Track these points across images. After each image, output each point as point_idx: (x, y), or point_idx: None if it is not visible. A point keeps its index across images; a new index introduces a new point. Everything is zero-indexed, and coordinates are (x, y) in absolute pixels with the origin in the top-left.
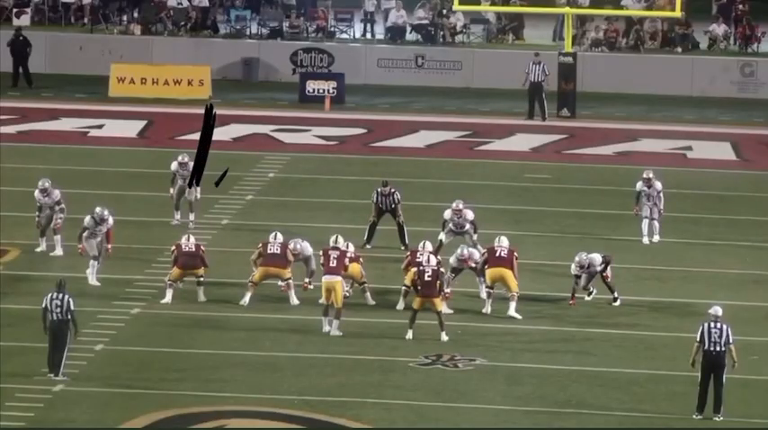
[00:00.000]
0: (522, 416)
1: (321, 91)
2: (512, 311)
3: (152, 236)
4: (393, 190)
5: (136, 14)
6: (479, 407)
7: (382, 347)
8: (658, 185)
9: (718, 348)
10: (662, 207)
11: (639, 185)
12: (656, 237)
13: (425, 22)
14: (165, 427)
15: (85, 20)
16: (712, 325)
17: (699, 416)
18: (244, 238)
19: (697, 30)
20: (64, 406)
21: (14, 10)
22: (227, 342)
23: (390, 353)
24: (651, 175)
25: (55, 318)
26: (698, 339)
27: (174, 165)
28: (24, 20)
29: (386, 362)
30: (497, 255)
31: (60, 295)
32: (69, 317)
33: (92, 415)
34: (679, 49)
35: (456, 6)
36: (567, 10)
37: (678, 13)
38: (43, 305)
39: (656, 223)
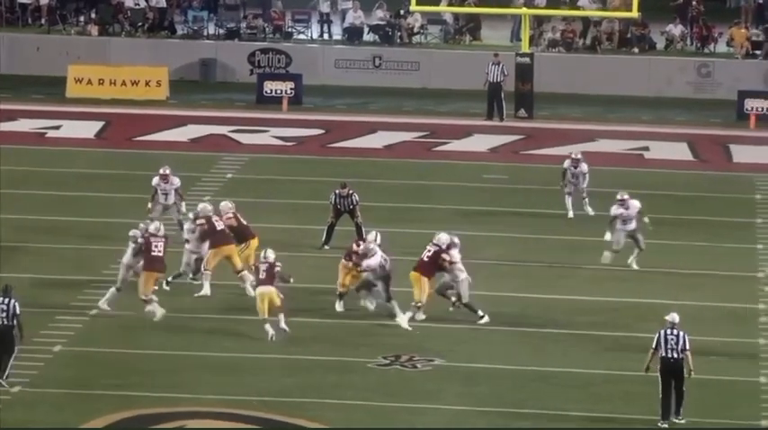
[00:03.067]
0: (479, 417)
1: (279, 92)
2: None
3: (110, 236)
4: (351, 191)
5: (93, 15)
6: (437, 407)
7: (341, 348)
8: (584, 167)
9: (675, 355)
10: (584, 186)
11: (567, 164)
12: (589, 209)
13: (383, 22)
14: (124, 428)
15: (43, 20)
16: (669, 331)
17: (664, 424)
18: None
19: (654, 30)
20: (22, 407)
21: None
22: (187, 343)
23: (349, 353)
24: (580, 156)
25: (0, 322)
26: (653, 346)
27: (154, 180)
28: None
29: (344, 363)
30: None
31: (6, 300)
32: (15, 322)
33: (51, 416)
34: (636, 50)
35: (413, 7)
36: (523, 11)
37: (635, 14)
38: None
39: (584, 200)
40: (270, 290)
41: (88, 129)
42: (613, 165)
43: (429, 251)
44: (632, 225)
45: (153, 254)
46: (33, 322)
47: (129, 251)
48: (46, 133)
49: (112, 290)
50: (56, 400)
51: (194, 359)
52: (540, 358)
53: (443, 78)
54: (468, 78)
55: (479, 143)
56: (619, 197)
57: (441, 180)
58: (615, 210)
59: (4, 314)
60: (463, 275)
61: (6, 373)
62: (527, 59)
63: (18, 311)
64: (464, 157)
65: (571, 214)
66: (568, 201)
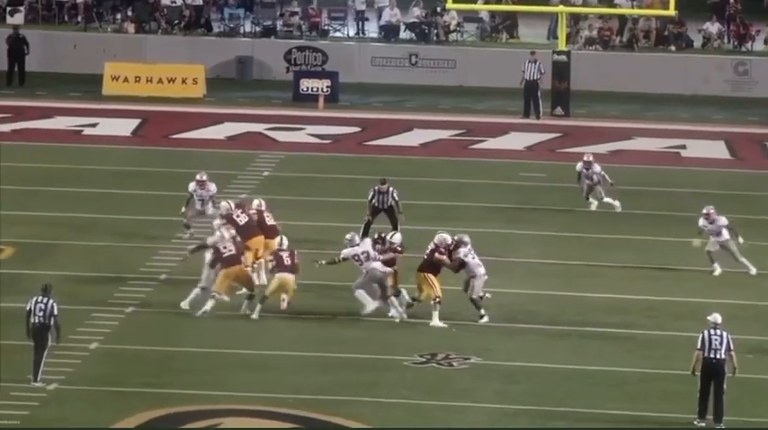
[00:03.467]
0: (516, 416)
1: (315, 89)
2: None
3: (146, 234)
4: (391, 188)
5: (130, 13)
6: (473, 405)
7: (377, 346)
8: (596, 168)
9: (718, 355)
10: (600, 186)
11: (579, 166)
12: (616, 203)
13: (420, 20)
14: (159, 426)
15: (79, 18)
16: (712, 331)
17: (701, 423)
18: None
19: (691, 28)
20: (58, 404)
21: (8, 8)
22: (222, 340)
23: (386, 351)
24: (591, 158)
25: (37, 321)
26: (698, 346)
27: (191, 186)
28: (18, 18)
29: (381, 361)
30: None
31: (45, 299)
32: (52, 322)
33: (86, 414)
34: (673, 48)
35: (450, 5)
36: (561, 9)
37: (672, 12)
38: (27, 308)
39: (606, 199)
40: (292, 278)
41: (125, 127)
42: (650, 163)
43: (427, 250)
44: (723, 237)
45: (230, 253)
46: (70, 319)
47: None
48: (82, 131)
49: (196, 290)
50: (91, 398)
51: (229, 357)
52: (576, 357)
53: (480, 76)
54: (504, 76)
55: (516, 141)
56: (704, 211)
57: (477, 178)
58: (701, 222)
59: (42, 313)
60: (482, 270)
61: (39, 374)
62: (564, 57)
63: (56, 312)
64: (500, 155)
65: (594, 206)
66: (589, 197)
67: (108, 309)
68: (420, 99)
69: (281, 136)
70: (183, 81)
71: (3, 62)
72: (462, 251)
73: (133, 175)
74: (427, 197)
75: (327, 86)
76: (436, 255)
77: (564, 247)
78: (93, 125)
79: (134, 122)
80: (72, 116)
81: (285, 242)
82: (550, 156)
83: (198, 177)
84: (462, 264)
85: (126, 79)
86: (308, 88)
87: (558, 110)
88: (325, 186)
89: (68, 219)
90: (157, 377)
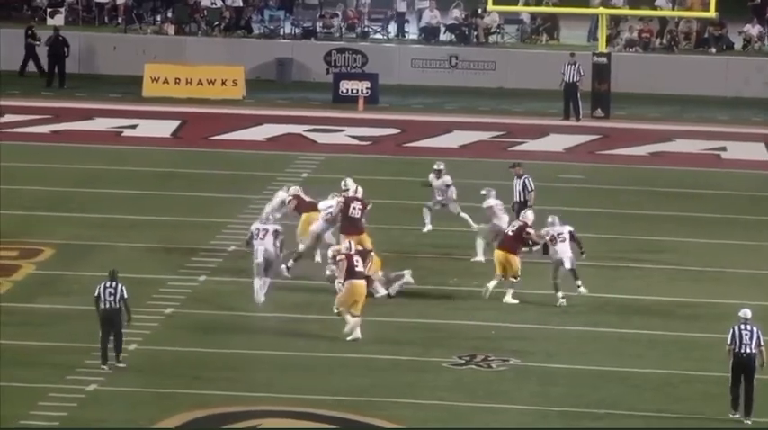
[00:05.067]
0: (555, 417)
1: (355, 91)
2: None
3: (185, 236)
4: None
5: (169, 14)
6: (512, 407)
7: (416, 347)
8: (447, 179)
9: (748, 350)
10: (453, 197)
11: (431, 177)
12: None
13: (459, 22)
14: (198, 427)
15: (119, 20)
16: (742, 327)
17: (736, 415)
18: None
19: (731, 30)
20: (97, 405)
21: (48, 10)
22: (261, 342)
23: (424, 353)
24: (441, 167)
25: (108, 306)
26: (729, 342)
27: (254, 225)
28: (58, 20)
29: (419, 363)
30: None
31: (113, 283)
32: (122, 305)
33: (124, 414)
34: (713, 50)
35: (490, 7)
36: (601, 10)
37: (712, 14)
38: (95, 294)
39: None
40: (363, 284)
41: (164, 129)
42: (690, 165)
43: (513, 226)
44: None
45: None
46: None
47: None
48: (122, 132)
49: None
50: (130, 399)
51: (268, 358)
52: (615, 358)
53: (520, 78)
54: (544, 78)
55: (555, 143)
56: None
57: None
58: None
59: (112, 297)
60: (567, 248)
61: (120, 355)
62: (604, 59)
63: (126, 295)
64: (540, 157)
65: (427, 228)
66: (425, 213)
67: (147, 310)
68: (460, 101)
69: (321, 137)
70: (223, 83)
71: (43, 63)
72: (549, 230)
73: (172, 177)
74: (466, 199)
75: (367, 88)
76: (527, 229)
77: (602, 249)
78: (133, 126)
79: (174, 124)
80: (112, 117)
81: (352, 245)
82: (590, 158)
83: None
84: (549, 242)
85: (166, 81)
86: (347, 90)
87: (598, 111)
88: (364, 188)
89: (107, 220)
90: (197, 378)
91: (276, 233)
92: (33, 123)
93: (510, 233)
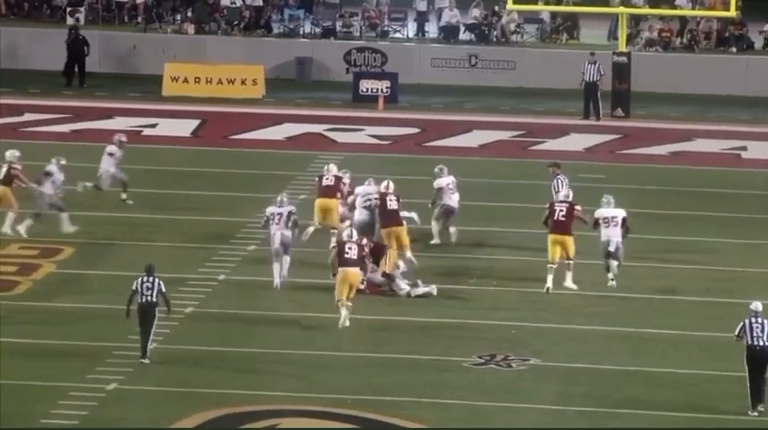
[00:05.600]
0: (577, 416)
1: (374, 90)
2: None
3: (205, 235)
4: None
5: (189, 14)
6: (533, 407)
7: (436, 347)
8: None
9: (761, 343)
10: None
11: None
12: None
13: (479, 21)
14: (217, 426)
15: (139, 19)
16: (753, 320)
17: (754, 413)
18: (297, 239)
19: (752, 29)
20: (117, 404)
21: (68, 9)
22: (281, 340)
23: (444, 352)
24: (438, 169)
25: (145, 300)
26: (736, 333)
27: (269, 209)
28: (78, 19)
29: (440, 362)
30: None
31: (150, 278)
32: (160, 299)
33: (145, 413)
34: (734, 49)
35: (510, 6)
36: (621, 10)
37: (733, 13)
38: (133, 288)
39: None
40: (355, 272)
41: (184, 128)
42: (710, 164)
43: (562, 210)
44: None
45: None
46: (131, 320)
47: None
48: (142, 131)
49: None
50: (150, 398)
51: (288, 357)
52: (639, 358)
53: (540, 77)
54: (564, 77)
55: (575, 142)
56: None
57: (536, 179)
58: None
59: (149, 292)
60: (618, 233)
61: (147, 352)
62: (624, 59)
63: (164, 289)
64: (560, 157)
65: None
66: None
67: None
68: (479, 100)
69: (341, 137)
70: (243, 82)
71: (63, 62)
72: (603, 211)
73: (192, 176)
74: (486, 198)
75: (387, 87)
76: (576, 207)
77: (624, 248)
78: (153, 126)
79: (193, 123)
80: (132, 116)
81: (355, 233)
82: (610, 157)
83: (279, 198)
84: (597, 222)
85: (186, 80)
86: (367, 89)
87: (618, 111)
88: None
89: (128, 219)
90: (217, 377)
91: (290, 214)
92: (53, 122)
93: (561, 218)
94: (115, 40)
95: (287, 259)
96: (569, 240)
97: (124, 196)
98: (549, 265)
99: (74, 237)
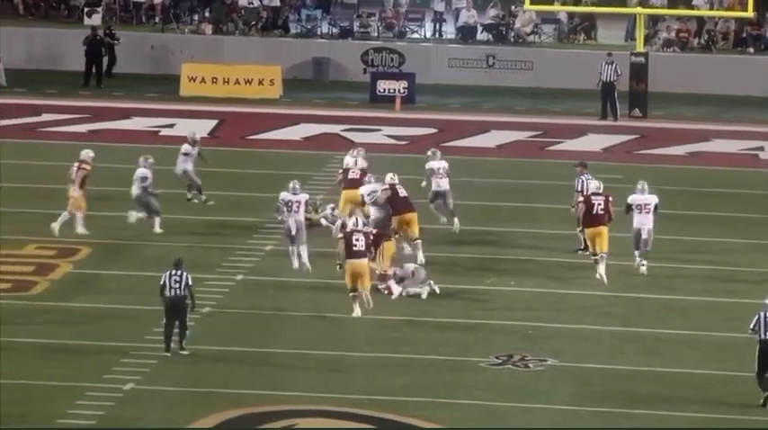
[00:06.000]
0: (592, 416)
1: (392, 90)
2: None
3: (222, 236)
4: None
5: (207, 14)
6: (550, 407)
7: (453, 347)
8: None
9: None
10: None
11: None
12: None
13: (496, 21)
14: (235, 426)
15: (156, 19)
16: (767, 314)
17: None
18: (315, 239)
19: None
20: (134, 404)
21: (86, 9)
22: (299, 340)
23: (461, 352)
24: (431, 152)
25: (173, 294)
26: (751, 327)
27: (284, 196)
28: (96, 19)
29: (457, 362)
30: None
31: (178, 272)
32: (187, 292)
33: (162, 414)
34: (751, 50)
35: (527, 6)
36: (639, 10)
37: (750, 14)
38: (161, 282)
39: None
40: (364, 263)
41: (202, 128)
42: (728, 165)
43: (600, 203)
44: None
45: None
46: (148, 320)
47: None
48: (159, 131)
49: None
50: (168, 398)
51: (306, 357)
52: (654, 358)
53: (557, 77)
54: (581, 77)
55: (593, 142)
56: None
57: (554, 179)
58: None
59: (178, 285)
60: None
61: (185, 342)
62: (641, 59)
63: (191, 282)
64: (577, 157)
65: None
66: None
67: None
68: (497, 100)
69: (358, 137)
70: (260, 82)
71: (81, 63)
72: (637, 198)
73: (209, 176)
74: (503, 198)
75: (404, 88)
76: (610, 198)
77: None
78: (171, 126)
79: (211, 123)
80: (149, 117)
81: (360, 221)
82: (627, 157)
83: (292, 185)
84: (630, 208)
85: (203, 80)
86: (384, 89)
87: (636, 111)
88: (403, 186)
89: (142, 219)
90: (234, 377)
91: (306, 203)
92: (71, 122)
93: (600, 211)
94: (133, 40)
95: (304, 248)
96: (605, 232)
97: (189, 196)
98: (594, 258)
99: (91, 237)
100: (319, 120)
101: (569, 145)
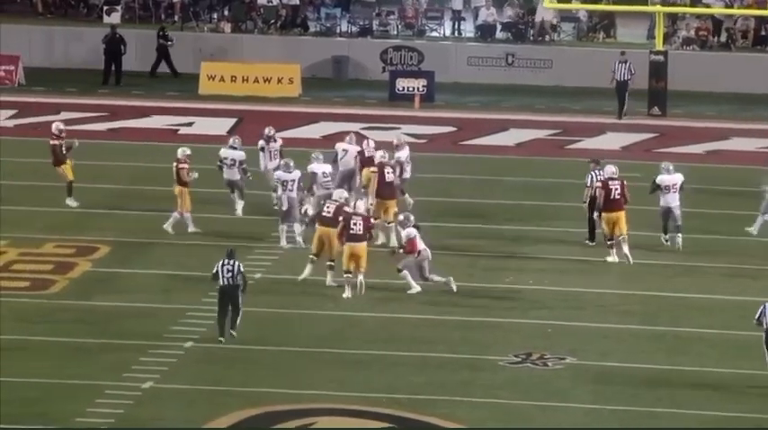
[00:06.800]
0: (612, 416)
1: (411, 89)
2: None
3: (241, 234)
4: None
5: (226, 12)
6: (569, 405)
7: (472, 345)
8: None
9: None
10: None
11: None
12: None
13: (514, 20)
14: (252, 425)
15: (176, 17)
16: None
17: None
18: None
19: None
20: (153, 403)
21: (105, 8)
22: (316, 338)
23: (480, 351)
24: (397, 141)
25: (226, 283)
26: (757, 317)
27: (279, 175)
28: (115, 17)
29: (475, 361)
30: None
31: (231, 261)
32: (240, 280)
33: (180, 412)
34: None
35: (546, 4)
36: (657, 8)
37: None
38: (214, 271)
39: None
40: (361, 247)
41: (220, 126)
42: (747, 163)
43: (617, 188)
44: None
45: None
46: (166, 318)
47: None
48: (178, 130)
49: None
50: (186, 396)
51: (323, 355)
52: (674, 357)
53: (577, 76)
54: (601, 76)
55: (612, 141)
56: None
57: (573, 178)
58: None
59: (230, 274)
60: (677, 198)
61: (236, 328)
62: (661, 57)
63: (242, 269)
64: (597, 155)
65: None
66: None
67: (202, 307)
68: (516, 99)
69: (377, 135)
70: (279, 81)
71: (100, 61)
72: (663, 178)
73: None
74: (522, 197)
75: (423, 86)
76: (625, 183)
77: (660, 247)
78: (190, 124)
79: (230, 122)
80: (168, 115)
81: (360, 205)
82: (646, 156)
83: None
84: (657, 188)
85: (222, 78)
86: (403, 88)
87: (655, 110)
88: (420, 185)
89: (164, 218)
90: (252, 375)
91: (300, 179)
92: (90, 121)
93: (617, 196)
94: (152, 38)
95: (297, 225)
96: (623, 216)
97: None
98: (609, 242)
99: (110, 235)
100: (338, 118)
101: (588, 143)
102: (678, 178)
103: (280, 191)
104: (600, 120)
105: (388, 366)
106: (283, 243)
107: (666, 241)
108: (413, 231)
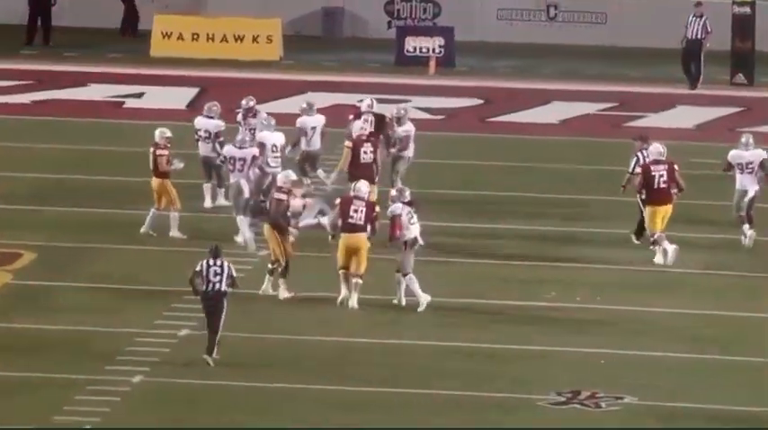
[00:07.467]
0: None
1: (424, 50)
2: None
3: (201, 234)
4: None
5: None
6: None
7: (503, 381)
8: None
9: None
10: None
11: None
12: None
13: None
14: None
15: None
16: None
17: None
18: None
19: None
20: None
21: None
22: (304, 372)
23: (513, 388)
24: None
25: (213, 288)
26: None
27: (228, 150)
28: None
29: (508, 400)
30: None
31: (217, 262)
32: (228, 286)
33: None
34: None
35: None
36: None
37: None
38: (197, 268)
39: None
40: (360, 239)
41: (178, 98)
42: None
43: (662, 174)
44: None
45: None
46: (106, 345)
47: None
48: (124, 103)
49: None
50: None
51: (325, 393)
52: (759, 396)
53: (638, 34)
54: (669, 34)
55: (684, 117)
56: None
57: None
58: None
59: (218, 277)
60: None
61: (213, 352)
62: (747, 10)
63: (234, 273)
64: (665, 136)
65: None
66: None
67: (155, 331)
68: (560, 63)
69: (381, 109)
70: (254, 39)
71: (23, 14)
72: (740, 153)
73: (189, 159)
74: (568, 189)
75: (440, 46)
76: (675, 166)
77: (743, 255)
78: (138, 95)
79: (190, 92)
80: (111, 83)
81: (364, 188)
82: (728, 136)
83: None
84: (730, 166)
85: (180, 37)
86: (415, 49)
87: (740, 77)
88: (436, 175)
89: (104, 215)
90: (221, 417)
91: (254, 159)
92: (10, 91)
93: (663, 184)
94: None
95: (246, 219)
96: (669, 212)
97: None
98: (654, 239)
99: (36, 239)
100: (330, 88)
101: (653, 120)
102: (759, 154)
103: (233, 175)
104: (668, 90)
105: (403, 406)
106: (240, 240)
107: (747, 233)
108: (398, 208)
